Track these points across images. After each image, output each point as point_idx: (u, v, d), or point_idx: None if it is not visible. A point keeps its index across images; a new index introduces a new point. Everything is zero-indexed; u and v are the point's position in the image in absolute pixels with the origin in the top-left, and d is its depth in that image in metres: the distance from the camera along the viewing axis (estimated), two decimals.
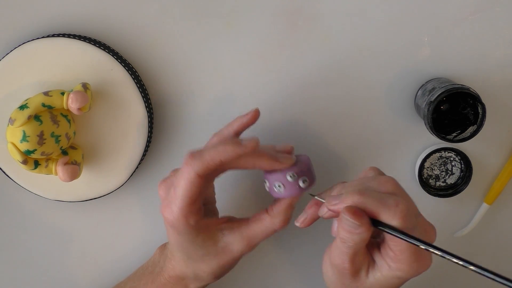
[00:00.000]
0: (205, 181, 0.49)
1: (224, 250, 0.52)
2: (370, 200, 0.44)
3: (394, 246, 0.44)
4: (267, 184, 0.51)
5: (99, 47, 0.58)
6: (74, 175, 0.57)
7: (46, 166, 0.56)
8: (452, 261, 0.41)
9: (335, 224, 0.49)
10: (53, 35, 0.58)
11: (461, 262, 0.41)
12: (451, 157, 0.62)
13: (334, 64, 0.61)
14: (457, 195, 0.62)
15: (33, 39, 0.58)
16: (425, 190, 0.61)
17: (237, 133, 0.54)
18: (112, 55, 0.58)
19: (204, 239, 0.51)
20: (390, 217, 0.43)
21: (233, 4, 0.60)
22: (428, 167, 0.62)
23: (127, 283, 0.59)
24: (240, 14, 0.60)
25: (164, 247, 0.58)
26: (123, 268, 0.65)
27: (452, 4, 0.59)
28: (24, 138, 0.53)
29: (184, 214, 0.49)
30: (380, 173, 0.50)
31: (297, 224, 0.51)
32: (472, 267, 0.40)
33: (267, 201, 0.54)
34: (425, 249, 0.42)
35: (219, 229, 0.52)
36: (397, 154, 0.63)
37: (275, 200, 0.52)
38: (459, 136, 0.57)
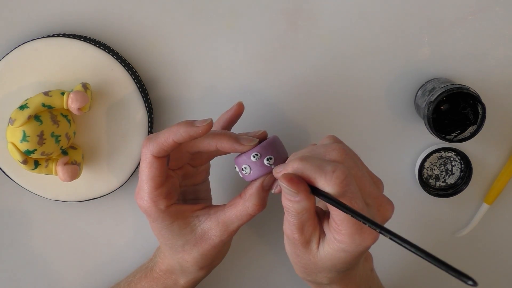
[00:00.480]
0: (163, 163, 0.49)
1: (202, 237, 0.51)
2: (308, 166, 0.42)
3: (335, 216, 0.43)
4: (237, 169, 0.50)
5: (99, 47, 0.58)
6: (74, 175, 0.57)
7: (46, 166, 0.56)
8: (383, 234, 0.39)
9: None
10: (53, 35, 0.58)
11: (393, 238, 0.38)
12: (451, 157, 0.62)
13: (333, 64, 0.61)
14: (457, 195, 0.62)
15: (33, 39, 0.58)
16: (425, 190, 0.61)
17: (224, 129, 0.54)
18: (112, 55, 0.58)
19: (180, 226, 0.51)
20: (325, 183, 0.42)
21: (233, 4, 0.60)
22: (428, 167, 0.62)
23: (125, 279, 0.60)
24: (240, 14, 0.60)
25: None
26: (123, 268, 0.65)
27: (452, 4, 0.59)
28: (24, 138, 0.53)
29: (152, 198, 0.49)
30: (336, 141, 0.47)
31: (272, 191, 0.50)
32: (398, 240, 0.37)
33: None
34: (352, 216, 0.40)
35: (195, 216, 0.52)
36: (397, 154, 0.63)
37: (248, 183, 0.51)
38: (459, 136, 0.57)
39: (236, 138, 0.49)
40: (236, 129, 0.55)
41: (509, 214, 0.65)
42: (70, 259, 0.66)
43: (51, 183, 0.60)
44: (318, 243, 0.45)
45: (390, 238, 0.38)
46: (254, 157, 0.48)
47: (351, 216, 0.40)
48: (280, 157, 0.49)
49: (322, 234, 0.45)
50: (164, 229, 0.51)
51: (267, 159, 0.49)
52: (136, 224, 0.65)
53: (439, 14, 0.60)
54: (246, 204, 0.50)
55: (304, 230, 0.44)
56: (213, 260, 0.54)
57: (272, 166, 0.49)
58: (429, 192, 0.61)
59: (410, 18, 0.60)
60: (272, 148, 0.49)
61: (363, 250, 0.43)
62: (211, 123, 0.48)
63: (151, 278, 0.57)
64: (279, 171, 0.45)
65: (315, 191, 0.43)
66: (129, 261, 0.65)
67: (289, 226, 0.45)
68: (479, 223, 0.64)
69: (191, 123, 0.48)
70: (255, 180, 0.50)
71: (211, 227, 0.51)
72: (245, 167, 0.49)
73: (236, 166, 0.50)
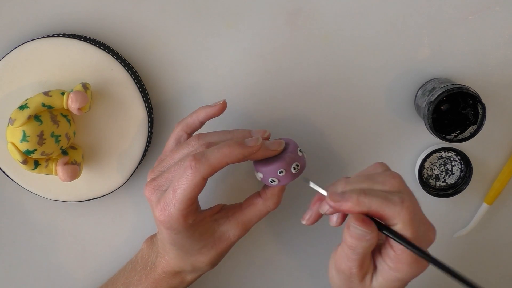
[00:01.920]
0: (206, 181, 0.49)
1: (221, 238, 0.53)
2: (374, 199, 0.44)
3: (396, 246, 0.44)
4: (261, 176, 0.52)
5: (99, 47, 0.58)
6: (74, 175, 0.57)
7: (46, 166, 0.56)
8: (446, 273, 0.42)
9: (334, 216, 0.49)
10: (53, 35, 0.58)
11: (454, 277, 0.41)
12: (451, 157, 0.62)
13: (333, 64, 0.61)
14: (457, 195, 0.62)
15: (33, 39, 0.58)
16: (425, 190, 0.61)
17: (202, 123, 0.55)
18: (112, 55, 0.58)
19: (201, 232, 0.52)
20: (396, 214, 0.43)
21: (233, 4, 0.60)
22: (428, 167, 0.62)
23: (118, 279, 0.59)
24: (240, 14, 0.60)
25: (151, 241, 0.58)
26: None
27: (452, 4, 0.59)
28: (24, 138, 0.53)
29: (184, 215, 0.49)
30: (387, 169, 0.49)
31: (303, 222, 0.51)
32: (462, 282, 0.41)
33: (250, 185, 0.54)
34: (422, 257, 0.43)
35: (213, 219, 0.53)
36: (397, 154, 0.63)
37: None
38: (459, 136, 0.57)
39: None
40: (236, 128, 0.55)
41: (509, 214, 0.65)
42: (70, 259, 0.66)
43: (51, 183, 0.60)
44: (372, 276, 0.46)
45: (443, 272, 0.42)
46: (281, 172, 0.51)
47: (414, 253, 0.43)
48: (302, 162, 0.52)
49: (374, 267, 0.47)
50: (185, 238, 0.51)
51: (294, 168, 0.51)
52: (136, 224, 0.65)
53: (439, 14, 0.60)
54: (267, 203, 0.53)
55: (363, 265, 0.46)
56: (224, 256, 0.55)
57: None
58: (429, 192, 0.61)
59: (410, 18, 0.60)
60: (296, 155, 0.51)
61: (415, 277, 0.45)
62: (262, 143, 0.49)
63: (153, 279, 0.56)
64: (337, 200, 0.45)
65: (380, 227, 0.44)
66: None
67: (348, 262, 0.46)
68: (479, 223, 0.64)
69: (243, 144, 0.48)
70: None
71: (230, 228, 0.53)
72: (272, 180, 0.51)
73: (259, 172, 0.52)
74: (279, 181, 0.51)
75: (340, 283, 0.48)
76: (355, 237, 0.44)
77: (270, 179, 0.51)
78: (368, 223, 0.44)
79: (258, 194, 0.54)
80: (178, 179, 0.48)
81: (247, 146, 0.48)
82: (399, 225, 0.44)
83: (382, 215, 0.44)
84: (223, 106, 0.55)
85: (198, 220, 0.52)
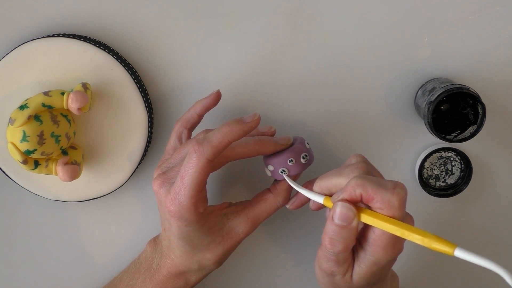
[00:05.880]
0: (213, 167, 0.50)
1: (229, 234, 0.53)
2: (368, 183, 0.44)
3: (376, 231, 0.44)
4: (271, 168, 0.54)
5: (99, 47, 0.58)
6: (74, 175, 0.57)
7: (46, 166, 0.56)
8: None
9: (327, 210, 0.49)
10: (53, 35, 0.58)
11: None
12: (451, 157, 0.62)
13: (334, 64, 0.61)
14: (457, 195, 0.62)
15: (33, 39, 0.58)
16: (425, 190, 0.61)
17: (201, 116, 0.57)
18: (112, 55, 0.58)
19: (211, 226, 0.52)
20: (390, 197, 0.43)
21: (233, 4, 0.60)
22: (428, 167, 0.62)
23: (122, 280, 0.59)
24: (240, 14, 0.60)
25: (155, 242, 0.58)
26: (123, 268, 0.65)
27: (452, 4, 0.59)
28: (24, 138, 0.53)
29: (194, 203, 0.49)
30: (361, 161, 0.49)
31: (288, 206, 0.55)
32: None
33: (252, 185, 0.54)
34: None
35: (223, 214, 0.54)
36: (397, 154, 0.63)
37: (277, 180, 0.55)
38: (459, 136, 0.57)
39: (276, 142, 0.53)
40: None
41: (510, 215, 0.65)
42: (70, 259, 0.66)
43: (51, 183, 0.60)
44: (352, 269, 0.47)
45: None
46: (290, 162, 0.53)
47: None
48: (310, 154, 0.54)
49: (353, 261, 0.47)
50: (194, 232, 0.51)
51: (303, 157, 0.53)
52: (136, 224, 0.65)
53: (439, 14, 0.60)
54: (277, 199, 0.55)
55: (343, 262, 0.46)
56: (230, 254, 0.55)
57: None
58: (429, 192, 0.61)
59: (410, 18, 0.60)
60: (304, 147, 0.54)
61: (392, 260, 0.46)
62: (259, 117, 0.50)
63: (158, 281, 0.56)
64: (337, 196, 0.45)
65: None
66: (129, 261, 0.65)
67: (328, 262, 0.46)
68: (480, 224, 0.64)
69: (241, 120, 0.50)
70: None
71: (239, 224, 0.54)
72: (282, 170, 0.53)
73: (271, 165, 0.53)
74: (289, 171, 0.53)
75: (325, 282, 0.48)
76: (339, 224, 0.44)
77: (280, 170, 0.53)
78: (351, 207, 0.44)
79: (268, 190, 0.56)
80: (185, 166, 0.49)
81: (245, 122, 0.49)
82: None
83: (373, 199, 0.43)
84: (218, 96, 0.57)
85: (207, 212, 0.52)
